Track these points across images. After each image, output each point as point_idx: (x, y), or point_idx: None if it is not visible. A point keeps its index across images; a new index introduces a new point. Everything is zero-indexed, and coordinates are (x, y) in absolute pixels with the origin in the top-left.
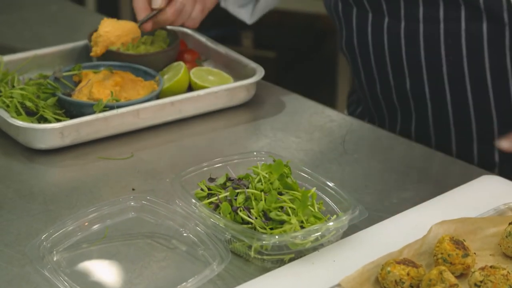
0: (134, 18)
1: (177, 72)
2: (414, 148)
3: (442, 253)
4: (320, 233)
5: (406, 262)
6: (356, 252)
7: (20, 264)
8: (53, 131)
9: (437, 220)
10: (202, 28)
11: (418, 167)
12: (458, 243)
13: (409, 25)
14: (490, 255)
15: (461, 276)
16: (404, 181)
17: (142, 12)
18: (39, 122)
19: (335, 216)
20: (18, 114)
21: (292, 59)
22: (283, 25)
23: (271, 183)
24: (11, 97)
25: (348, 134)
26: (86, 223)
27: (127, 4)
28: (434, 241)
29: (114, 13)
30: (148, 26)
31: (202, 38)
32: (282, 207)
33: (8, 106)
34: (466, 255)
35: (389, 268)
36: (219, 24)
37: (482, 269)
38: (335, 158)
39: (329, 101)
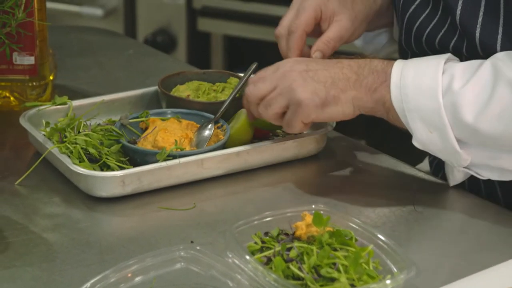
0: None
1: (238, 119)
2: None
3: None
4: None
5: None
6: None
7: None
8: (115, 179)
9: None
10: None
11: (490, 230)
12: None
13: None
14: None
15: None
16: (475, 243)
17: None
18: (102, 170)
19: (389, 276)
20: (81, 160)
21: None
22: None
23: (321, 237)
24: (75, 143)
25: (419, 191)
26: (130, 274)
27: (218, 54)
28: None
29: (205, 64)
30: None
31: None
32: (335, 264)
33: (71, 152)
34: None
35: None
36: None
37: None
38: (403, 216)
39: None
